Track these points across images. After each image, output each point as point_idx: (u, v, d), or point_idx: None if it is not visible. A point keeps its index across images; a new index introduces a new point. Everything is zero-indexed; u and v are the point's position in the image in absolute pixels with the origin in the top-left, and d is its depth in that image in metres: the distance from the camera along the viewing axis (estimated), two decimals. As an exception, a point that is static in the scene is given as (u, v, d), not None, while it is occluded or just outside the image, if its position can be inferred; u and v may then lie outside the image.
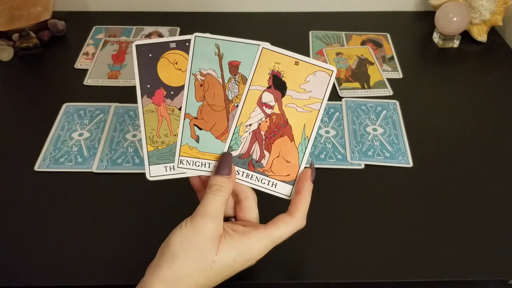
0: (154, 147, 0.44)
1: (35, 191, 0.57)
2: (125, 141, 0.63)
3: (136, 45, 0.43)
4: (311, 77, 0.42)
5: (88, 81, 0.74)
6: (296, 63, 0.42)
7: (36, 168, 0.59)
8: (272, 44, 0.43)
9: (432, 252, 0.51)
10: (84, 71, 0.75)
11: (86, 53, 0.79)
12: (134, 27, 0.86)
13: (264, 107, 0.43)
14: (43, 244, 0.51)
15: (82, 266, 0.49)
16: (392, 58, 0.79)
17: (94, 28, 0.85)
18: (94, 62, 0.77)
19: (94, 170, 0.59)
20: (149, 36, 0.84)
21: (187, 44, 0.43)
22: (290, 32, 0.85)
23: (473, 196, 0.57)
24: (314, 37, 0.83)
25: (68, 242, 0.51)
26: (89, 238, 0.52)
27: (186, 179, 0.45)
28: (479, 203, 0.56)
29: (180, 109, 0.44)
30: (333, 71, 0.42)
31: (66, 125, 0.65)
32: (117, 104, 0.68)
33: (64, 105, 0.68)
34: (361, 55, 0.78)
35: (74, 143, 0.63)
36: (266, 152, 0.43)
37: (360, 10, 0.91)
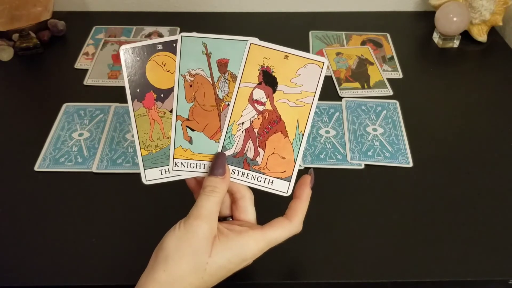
0: (148, 151, 0.43)
1: (35, 191, 0.57)
2: (125, 141, 0.63)
3: (122, 50, 0.43)
4: (302, 71, 0.42)
5: (88, 81, 0.74)
6: (286, 57, 0.42)
7: (36, 168, 0.59)
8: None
9: (432, 252, 0.51)
10: (84, 71, 0.75)
11: (86, 53, 0.79)
12: (134, 27, 0.86)
13: (255, 104, 0.42)
14: (43, 244, 0.51)
15: (82, 266, 0.49)
16: (392, 58, 0.79)
17: (94, 28, 0.85)
18: (94, 62, 0.77)
19: (94, 170, 0.59)
20: (149, 36, 0.84)
21: (174, 45, 0.42)
22: (290, 32, 0.85)
23: (473, 196, 0.57)
24: (314, 37, 0.83)
25: (68, 242, 0.51)
26: (89, 238, 0.52)
27: (184, 180, 0.45)
28: (479, 203, 0.56)
29: (171, 111, 0.43)
30: (324, 62, 0.41)
31: (66, 125, 0.65)
32: (117, 104, 0.68)
33: (64, 105, 0.68)
34: (361, 55, 0.78)
35: (74, 143, 0.63)
36: (260, 150, 0.43)
37: (360, 10, 0.91)
